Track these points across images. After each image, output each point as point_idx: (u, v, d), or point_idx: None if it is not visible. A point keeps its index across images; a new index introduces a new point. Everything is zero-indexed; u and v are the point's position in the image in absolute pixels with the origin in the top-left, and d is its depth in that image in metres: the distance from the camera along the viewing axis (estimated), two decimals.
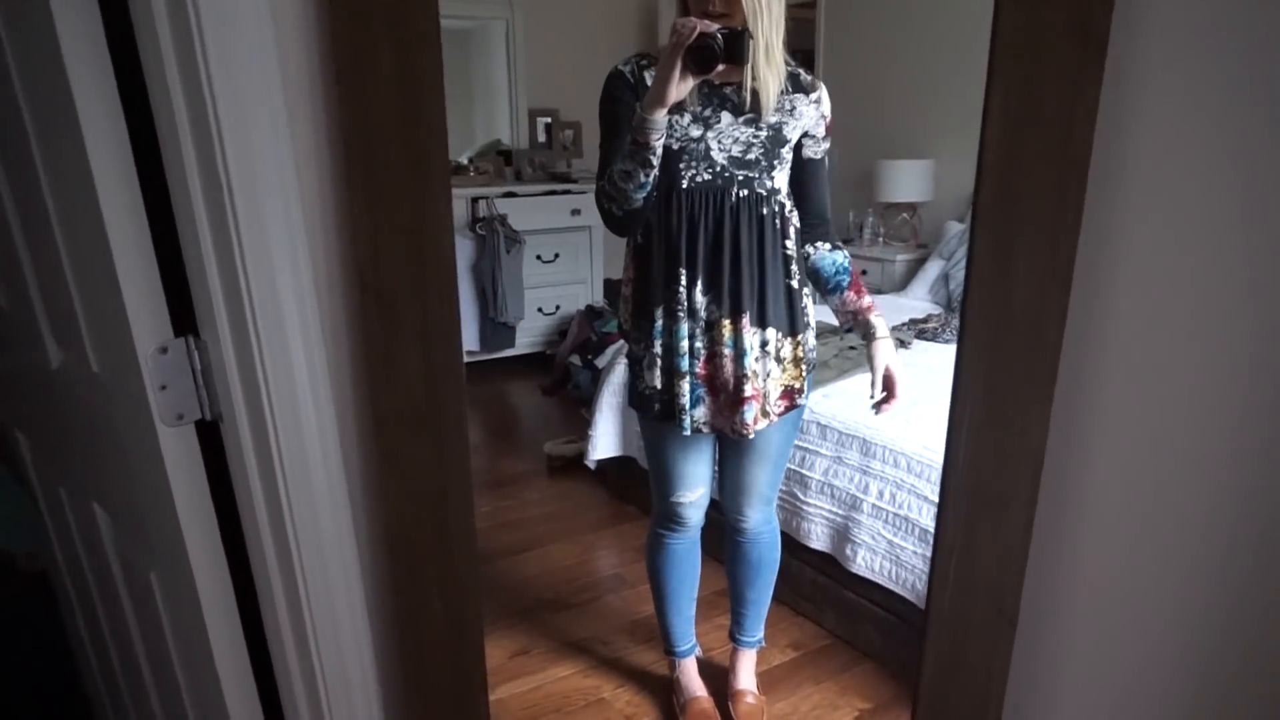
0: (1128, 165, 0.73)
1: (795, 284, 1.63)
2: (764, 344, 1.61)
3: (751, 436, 1.66)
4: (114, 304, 0.85)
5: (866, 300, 1.71)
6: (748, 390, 1.61)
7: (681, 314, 1.59)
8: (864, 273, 4.17)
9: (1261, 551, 0.74)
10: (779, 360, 1.64)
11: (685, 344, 1.60)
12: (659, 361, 1.63)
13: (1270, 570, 0.75)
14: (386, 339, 0.86)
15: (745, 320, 1.59)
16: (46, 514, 1.43)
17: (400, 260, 0.83)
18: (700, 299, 1.59)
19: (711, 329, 1.61)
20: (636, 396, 1.70)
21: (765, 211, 1.57)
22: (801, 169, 1.65)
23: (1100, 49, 0.69)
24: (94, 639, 1.48)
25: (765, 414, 1.66)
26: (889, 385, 1.68)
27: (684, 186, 1.55)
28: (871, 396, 1.70)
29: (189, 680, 1.12)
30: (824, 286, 1.72)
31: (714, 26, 1.37)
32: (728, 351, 1.60)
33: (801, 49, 4.67)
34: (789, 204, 1.62)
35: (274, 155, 0.77)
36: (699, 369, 1.63)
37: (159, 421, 0.89)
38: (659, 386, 1.65)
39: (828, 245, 1.71)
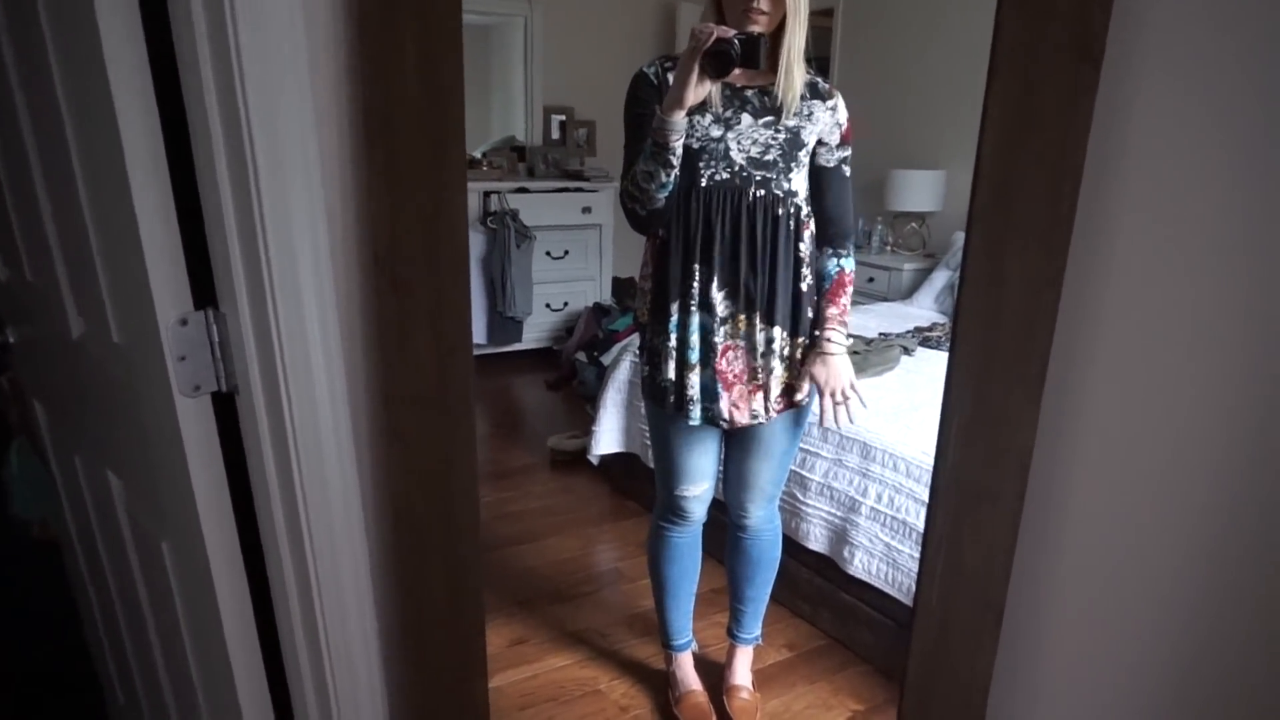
0: (1121, 174, 0.76)
1: (804, 287, 1.65)
2: (770, 341, 1.64)
3: (749, 424, 1.69)
4: (138, 276, 0.88)
5: (832, 310, 1.71)
6: (756, 384, 1.65)
7: (694, 308, 1.63)
8: (870, 280, 4.19)
9: (1245, 551, 0.76)
10: (781, 359, 1.67)
11: (696, 337, 1.64)
12: (674, 354, 1.66)
13: (1254, 570, 0.77)
14: (399, 318, 0.89)
15: (757, 317, 1.62)
16: (60, 483, 1.46)
17: (415, 243, 0.86)
18: (715, 294, 1.62)
19: (725, 323, 1.64)
20: (653, 388, 1.73)
21: (781, 212, 1.60)
22: (817, 178, 1.68)
23: (1096, 62, 0.72)
24: (103, 605, 1.51)
25: (766, 409, 1.69)
26: (820, 389, 1.70)
27: (703, 185, 1.58)
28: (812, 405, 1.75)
29: (195, 645, 1.15)
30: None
31: (731, 32, 1.41)
32: (741, 344, 1.64)
33: (817, 57, 4.69)
34: (805, 208, 1.65)
35: (299, 136, 0.80)
36: (714, 362, 1.66)
37: (177, 392, 0.91)
38: (673, 378, 1.68)
39: (830, 251, 1.72)
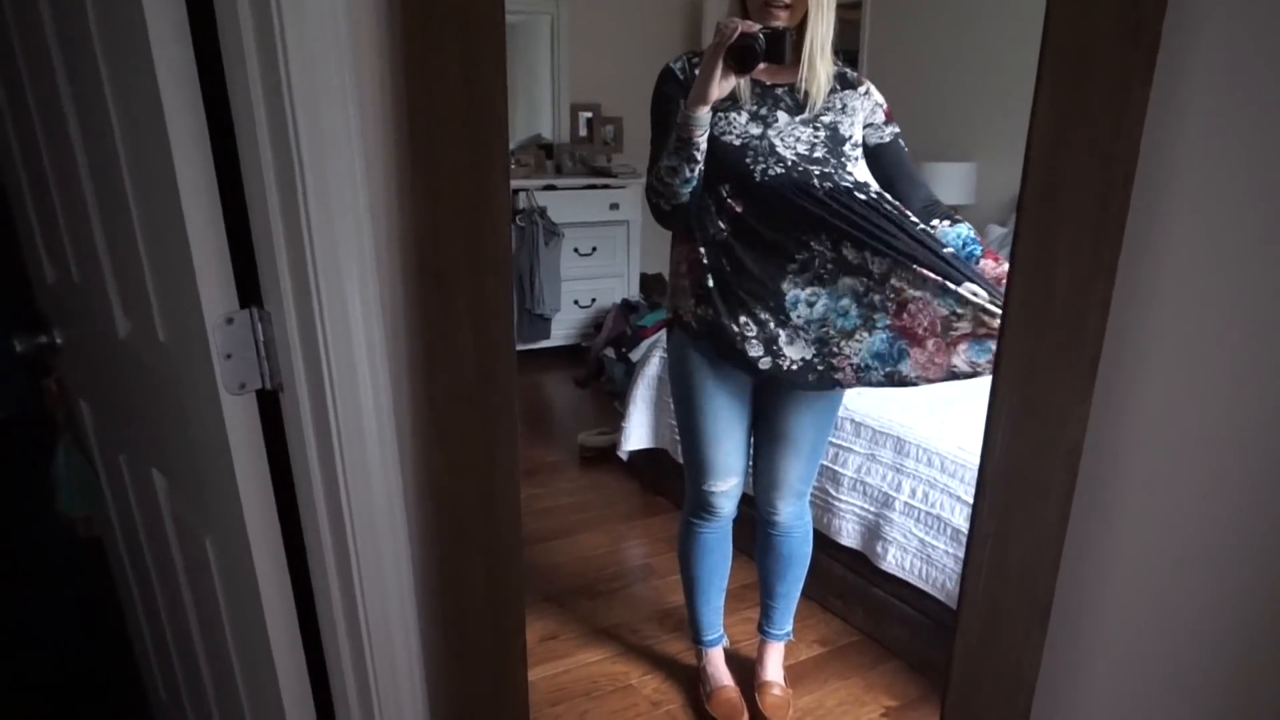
0: (1177, 164, 0.74)
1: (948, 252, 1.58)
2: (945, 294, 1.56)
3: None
4: (184, 275, 0.89)
5: (1005, 267, 1.59)
6: (958, 353, 1.59)
7: (841, 273, 1.57)
8: None
9: None
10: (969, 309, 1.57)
11: (861, 299, 1.59)
12: (799, 333, 1.62)
13: None
14: (442, 317, 0.89)
15: (919, 270, 1.55)
16: (105, 480, 1.48)
17: (459, 241, 0.86)
18: (859, 254, 1.56)
19: (888, 279, 1.57)
20: (790, 375, 1.66)
21: (863, 197, 1.55)
22: (878, 159, 1.63)
23: (1151, 49, 0.70)
24: (145, 602, 1.53)
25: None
26: None
27: (758, 180, 1.55)
28: None
29: (237, 640, 1.17)
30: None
31: (755, 27, 1.40)
32: (923, 296, 1.56)
33: (846, 49, 4.65)
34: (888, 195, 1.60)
35: (343, 134, 0.80)
36: (894, 321, 1.59)
37: (222, 390, 0.92)
38: (801, 358, 1.63)
39: (947, 221, 1.64)
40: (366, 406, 0.91)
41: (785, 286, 1.59)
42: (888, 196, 1.59)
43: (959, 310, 1.54)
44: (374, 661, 1.02)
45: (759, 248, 1.59)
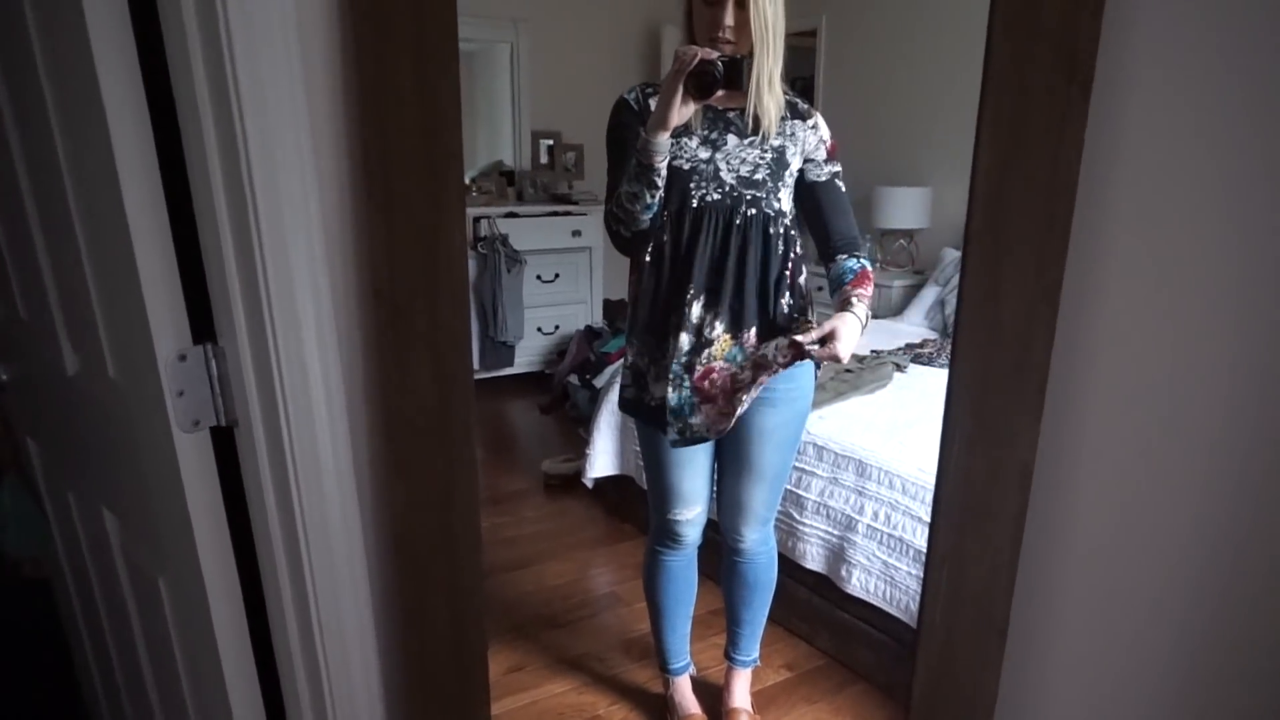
0: (1114, 192, 0.77)
1: (787, 305, 1.64)
2: (763, 355, 1.63)
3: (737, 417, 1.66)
4: (135, 310, 0.87)
5: (862, 290, 1.63)
6: (743, 397, 1.64)
7: (686, 328, 1.63)
8: None
9: (1243, 564, 0.77)
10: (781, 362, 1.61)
11: (687, 358, 1.64)
12: (666, 374, 1.66)
13: (1251, 583, 0.77)
14: (399, 349, 0.89)
15: (747, 336, 1.62)
16: (54, 520, 1.44)
17: (414, 272, 0.86)
18: (704, 314, 1.62)
19: (712, 345, 1.63)
20: (644, 409, 1.73)
21: (771, 231, 1.61)
22: (812, 195, 1.67)
23: (1086, 81, 0.73)
24: (95, 644, 1.49)
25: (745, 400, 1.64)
26: (827, 340, 1.56)
27: (694, 205, 1.59)
28: (808, 339, 1.57)
29: (192, 684, 1.14)
30: (834, 286, 1.67)
31: (714, 54, 1.43)
32: (727, 365, 1.63)
33: (801, 76, 4.74)
34: (794, 231, 1.65)
35: (297, 168, 0.80)
36: (696, 382, 1.65)
37: (175, 427, 0.91)
38: (662, 397, 1.68)
39: (845, 254, 1.66)
40: (323, 441, 0.90)
41: (671, 321, 1.64)
42: (790, 233, 1.64)
43: (744, 382, 1.63)
44: (333, 700, 1.00)
45: (665, 279, 1.64)
